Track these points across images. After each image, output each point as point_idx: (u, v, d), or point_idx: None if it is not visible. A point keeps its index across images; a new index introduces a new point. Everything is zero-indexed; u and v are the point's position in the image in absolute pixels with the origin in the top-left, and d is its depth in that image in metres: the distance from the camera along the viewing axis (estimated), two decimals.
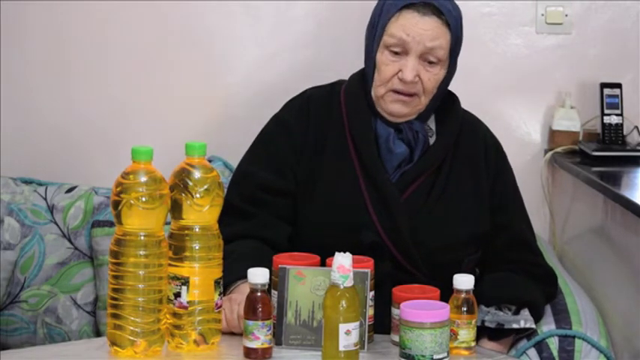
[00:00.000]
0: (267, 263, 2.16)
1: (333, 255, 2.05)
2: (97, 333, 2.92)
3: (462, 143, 2.48)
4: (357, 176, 2.42)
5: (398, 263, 2.38)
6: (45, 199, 3.02)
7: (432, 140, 2.46)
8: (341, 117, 2.47)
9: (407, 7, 2.37)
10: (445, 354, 2.02)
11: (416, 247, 2.38)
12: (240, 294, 2.22)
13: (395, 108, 2.41)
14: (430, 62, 2.38)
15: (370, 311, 2.14)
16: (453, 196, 2.43)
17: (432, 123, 2.48)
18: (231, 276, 2.24)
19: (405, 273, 2.37)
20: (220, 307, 2.13)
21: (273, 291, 2.15)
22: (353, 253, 2.03)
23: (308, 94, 2.54)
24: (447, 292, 2.16)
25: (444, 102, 2.49)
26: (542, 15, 3.23)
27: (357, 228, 2.37)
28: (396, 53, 2.38)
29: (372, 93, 2.43)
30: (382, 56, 2.40)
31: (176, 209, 2.09)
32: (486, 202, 2.46)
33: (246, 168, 2.50)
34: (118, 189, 2.03)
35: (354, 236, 2.35)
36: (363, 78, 2.47)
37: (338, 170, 2.43)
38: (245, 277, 2.13)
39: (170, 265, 2.09)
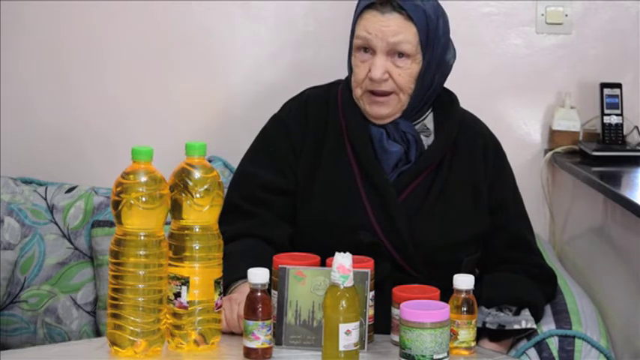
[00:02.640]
0: (267, 263, 2.16)
1: (331, 255, 2.05)
2: (97, 333, 2.92)
3: (460, 142, 2.48)
4: (355, 176, 2.42)
5: (397, 264, 2.38)
6: (45, 199, 3.02)
7: (430, 140, 2.46)
8: (338, 117, 2.47)
9: (368, 7, 2.39)
10: (445, 354, 2.02)
11: (415, 247, 2.38)
12: (240, 294, 2.22)
13: (374, 110, 2.41)
14: (399, 56, 2.38)
15: (370, 311, 2.14)
16: (452, 196, 2.43)
17: (429, 123, 2.48)
18: (231, 276, 2.24)
19: (404, 273, 2.37)
20: (220, 307, 2.13)
21: (273, 291, 2.15)
22: (352, 254, 2.03)
23: (306, 95, 2.54)
24: (446, 293, 2.16)
25: (442, 101, 2.49)
26: (542, 15, 3.23)
27: (355, 228, 2.37)
28: (365, 52, 2.39)
29: (354, 96, 2.44)
30: (355, 59, 2.42)
31: (176, 209, 2.09)
32: (485, 201, 2.46)
33: (247, 168, 2.50)
34: (118, 189, 2.03)
35: (352, 236, 2.35)
36: None
37: (336, 170, 2.43)
38: (245, 277, 2.13)
39: (170, 265, 2.09)
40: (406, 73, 2.38)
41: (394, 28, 2.36)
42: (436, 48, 2.41)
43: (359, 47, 2.40)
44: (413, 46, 2.37)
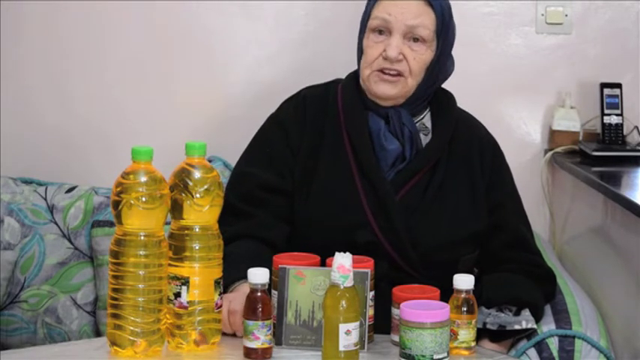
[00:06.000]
0: (265, 263, 2.16)
1: (329, 254, 2.05)
2: (97, 333, 2.92)
3: (457, 141, 2.48)
4: (353, 175, 2.42)
5: (394, 263, 2.38)
6: (45, 199, 3.02)
7: (427, 138, 2.46)
8: (337, 115, 2.48)
9: None
10: (445, 354, 2.02)
11: (412, 246, 2.38)
12: (236, 292, 2.22)
13: (380, 88, 2.41)
14: (414, 41, 2.39)
15: (370, 311, 2.14)
16: (449, 195, 2.43)
17: (428, 122, 2.48)
18: (229, 277, 2.23)
19: (401, 273, 2.37)
20: (220, 307, 2.13)
21: (273, 291, 2.15)
22: (349, 253, 2.03)
23: (303, 94, 2.55)
24: (444, 292, 2.16)
25: (440, 100, 2.49)
26: (542, 15, 3.23)
27: (353, 227, 2.37)
28: (381, 34, 2.40)
29: (360, 80, 2.44)
30: (367, 40, 2.42)
31: (176, 209, 2.09)
32: (483, 201, 2.46)
33: (244, 168, 2.50)
34: (118, 189, 2.03)
35: (350, 236, 2.35)
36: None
37: (334, 169, 2.43)
38: (243, 277, 2.13)
39: (170, 265, 2.09)
40: (420, 58, 2.39)
41: (414, 11, 2.38)
42: (447, 41, 2.43)
43: (374, 28, 2.40)
44: (430, 32, 2.39)
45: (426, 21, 2.39)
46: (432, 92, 2.47)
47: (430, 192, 2.42)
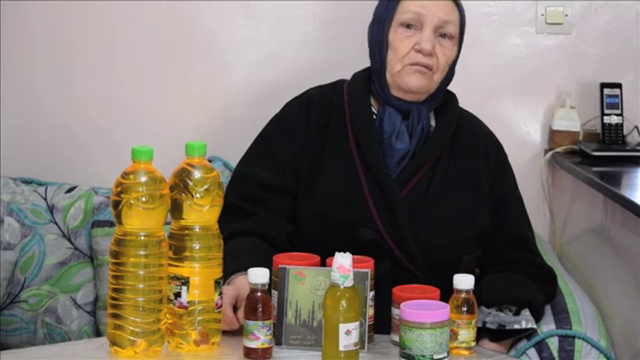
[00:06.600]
0: (266, 258, 2.16)
1: (332, 252, 2.05)
2: (97, 333, 2.92)
3: (460, 139, 2.48)
4: (359, 173, 2.42)
5: (398, 262, 2.38)
6: (45, 199, 3.02)
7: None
8: (343, 114, 2.48)
9: None
10: (445, 354, 2.02)
11: (416, 244, 2.38)
12: (232, 285, 2.22)
13: (413, 80, 2.41)
14: (443, 37, 2.42)
15: (370, 311, 2.14)
16: (452, 192, 2.43)
17: (432, 120, 2.49)
18: (225, 271, 2.22)
19: (404, 272, 2.37)
20: (220, 307, 2.13)
21: (273, 291, 2.15)
22: (352, 251, 2.03)
23: (309, 94, 2.55)
24: (445, 292, 2.16)
25: (442, 98, 2.50)
26: (542, 15, 3.24)
27: (357, 224, 2.37)
28: (409, 28, 2.41)
29: (387, 75, 2.44)
30: (396, 34, 2.43)
31: (176, 209, 2.09)
32: (486, 199, 2.46)
33: (245, 168, 2.50)
34: (118, 189, 2.03)
35: (354, 233, 2.35)
36: (367, 75, 2.48)
37: (339, 167, 2.44)
38: (239, 270, 2.13)
39: (170, 265, 2.09)
40: (448, 54, 2.44)
41: (446, 7, 2.42)
42: (462, 42, 2.48)
43: (404, 22, 2.42)
44: (457, 29, 2.44)
45: (454, 18, 2.43)
46: (442, 94, 2.48)
47: (433, 189, 2.42)
